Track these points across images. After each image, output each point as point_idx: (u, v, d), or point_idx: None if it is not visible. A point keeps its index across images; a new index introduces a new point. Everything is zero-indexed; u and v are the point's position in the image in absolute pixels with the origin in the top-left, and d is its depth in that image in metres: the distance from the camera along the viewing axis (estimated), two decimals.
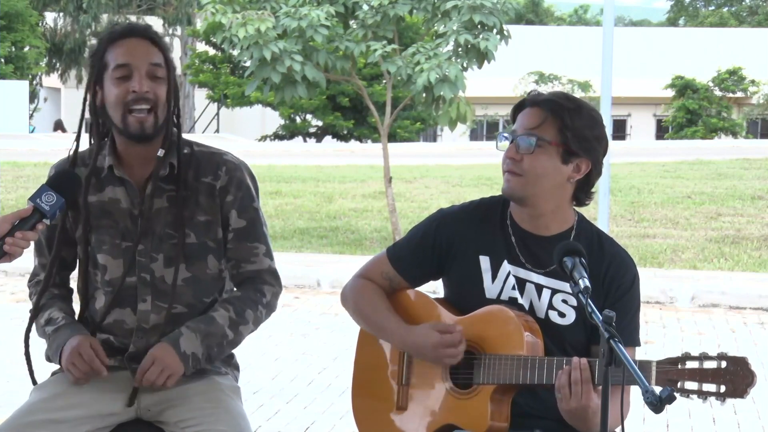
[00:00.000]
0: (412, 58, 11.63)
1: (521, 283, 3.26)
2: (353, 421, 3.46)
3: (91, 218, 3.31)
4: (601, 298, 3.17)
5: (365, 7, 11.84)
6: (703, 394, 2.91)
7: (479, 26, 11.63)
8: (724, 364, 2.91)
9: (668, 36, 43.99)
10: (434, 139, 38.48)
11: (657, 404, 2.61)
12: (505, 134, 3.25)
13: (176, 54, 40.74)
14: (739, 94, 36.91)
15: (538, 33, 43.66)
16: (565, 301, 3.23)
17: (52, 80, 43.68)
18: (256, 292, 3.38)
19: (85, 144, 3.38)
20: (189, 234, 3.31)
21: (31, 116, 37.77)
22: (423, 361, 3.29)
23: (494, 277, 3.27)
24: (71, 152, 3.36)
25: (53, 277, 3.37)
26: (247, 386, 6.24)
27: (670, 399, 2.62)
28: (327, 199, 16.39)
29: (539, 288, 3.25)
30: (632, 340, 3.22)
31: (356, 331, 3.48)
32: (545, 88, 33.09)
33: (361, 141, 32.19)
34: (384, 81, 16.03)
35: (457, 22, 11.61)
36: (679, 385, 2.92)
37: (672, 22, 58.18)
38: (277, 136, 34.43)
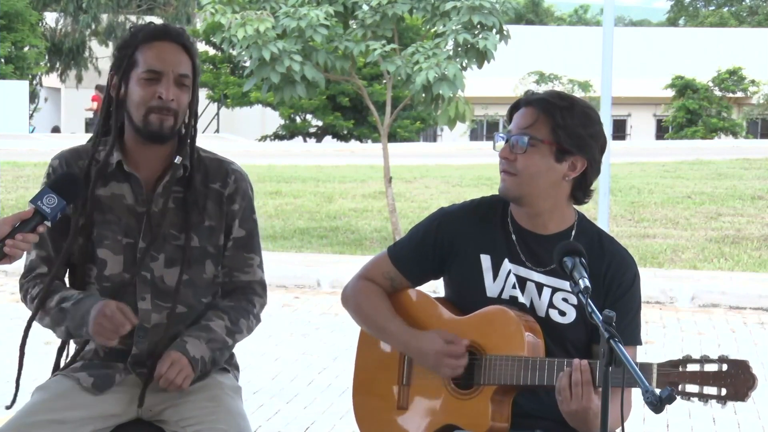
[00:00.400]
0: (411, 58, 11.64)
1: (522, 282, 3.26)
2: (353, 421, 3.46)
3: (92, 211, 3.32)
4: (602, 297, 3.17)
5: (365, 7, 11.85)
6: (704, 397, 2.91)
7: (478, 26, 11.64)
8: (725, 367, 2.91)
9: (668, 36, 43.99)
10: (434, 139, 38.47)
11: (657, 404, 2.61)
12: (501, 135, 3.25)
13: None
14: (739, 94, 36.91)
15: (538, 33, 43.67)
16: (565, 300, 3.24)
17: (52, 80, 43.66)
18: (248, 302, 3.43)
19: (83, 138, 3.38)
20: (192, 237, 3.32)
21: (31, 116, 37.76)
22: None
23: (495, 275, 3.27)
24: (91, 143, 3.36)
25: (60, 271, 3.35)
26: (247, 386, 6.24)
27: (670, 399, 2.62)
28: (327, 199, 16.39)
29: (539, 286, 3.25)
30: (633, 340, 3.22)
31: (356, 331, 3.48)
32: (545, 88, 33.06)
33: (361, 141, 32.19)
34: (384, 81, 16.03)
35: (456, 22, 11.62)
36: (680, 387, 2.93)
37: (672, 22, 58.18)
38: (277, 136, 34.42)
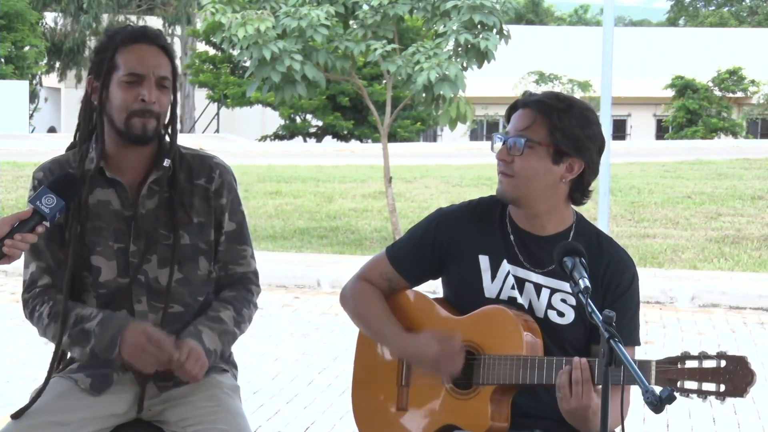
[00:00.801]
0: (411, 58, 11.64)
1: (520, 283, 3.26)
2: (353, 421, 3.46)
3: (81, 220, 3.31)
4: (600, 297, 3.17)
5: (365, 7, 11.85)
6: (702, 394, 2.91)
7: (479, 26, 11.64)
8: (723, 363, 2.91)
9: (668, 36, 44.00)
10: (434, 139, 38.48)
11: (657, 404, 2.61)
12: (499, 136, 3.25)
13: (176, 54, 40.71)
14: (739, 94, 36.91)
15: (538, 33, 43.67)
16: (564, 301, 3.23)
17: (52, 80, 43.69)
18: (247, 292, 3.43)
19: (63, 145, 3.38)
20: (183, 235, 3.32)
21: (31, 116, 37.78)
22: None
23: (493, 276, 3.27)
24: (71, 151, 3.36)
25: (70, 280, 3.30)
26: (247, 386, 6.24)
27: (670, 399, 2.61)
28: (327, 199, 16.39)
29: (538, 287, 3.25)
30: (632, 340, 3.22)
31: (356, 331, 3.48)
32: (545, 88, 33.08)
33: (361, 141, 32.19)
34: (384, 81, 16.03)
35: (456, 22, 11.62)
36: (678, 384, 2.92)
37: (672, 22, 58.19)
38: (277, 136, 34.44)
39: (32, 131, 35.95)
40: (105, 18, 40.69)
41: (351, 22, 12.26)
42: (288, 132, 34.09)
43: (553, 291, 3.24)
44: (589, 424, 3.05)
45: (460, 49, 11.75)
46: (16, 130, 31.52)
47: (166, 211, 3.31)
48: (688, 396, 2.92)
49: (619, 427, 2.95)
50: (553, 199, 3.24)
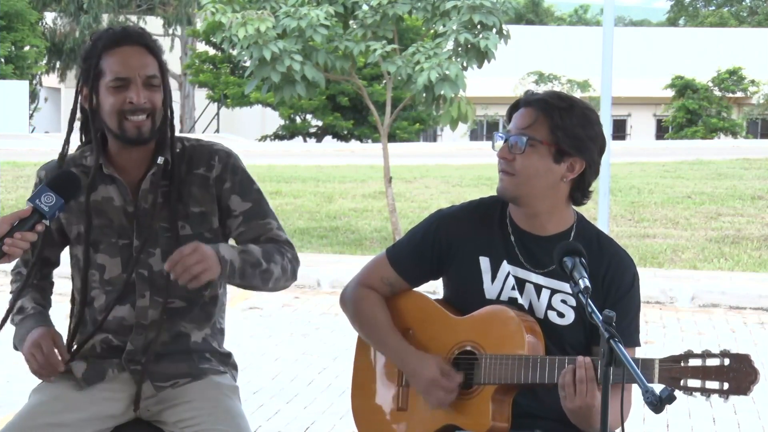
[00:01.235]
0: (411, 58, 11.64)
1: (521, 283, 3.26)
2: (353, 421, 3.46)
3: (86, 217, 3.31)
4: (601, 298, 3.16)
5: (365, 7, 11.85)
6: (706, 392, 2.91)
7: (479, 26, 11.64)
8: (727, 361, 2.91)
9: (668, 36, 44.00)
10: (434, 139, 38.48)
11: (657, 404, 2.61)
12: (500, 134, 3.25)
13: (176, 54, 40.76)
14: (739, 94, 36.92)
15: (538, 33, 43.68)
16: (564, 302, 3.23)
17: (52, 80, 43.70)
18: (280, 246, 3.32)
19: (73, 145, 3.38)
20: (184, 226, 3.31)
21: (31, 116, 37.78)
22: (420, 351, 3.29)
23: (494, 277, 3.27)
24: (62, 152, 3.37)
25: (32, 278, 3.40)
26: (247, 386, 6.24)
27: (670, 399, 2.61)
28: (327, 199, 16.40)
29: (538, 288, 3.25)
30: (632, 341, 3.21)
31: (356, 332, 3.48)
32: (545, 88, 33.08)
33: (361, 141, 32.20)
34: (384, 81, 16.03)
35: (456, 22, 11.62)
36: (681, 383, 2.92)
37: (672, 22, 58.20)
38: (277, 136, 34.45)
39: (32, 131, 35.95)
40: (105, 18, 40.69)
41: (351, 22, 12.26)
42: (288, 132, 34.10)
43: (554, 292, 3.24)
44: (592, 423, 3.04)
45: (460, 49, 11.75)
46: (16, 130, 31.53)
47: (167, 204, 3.31)
48: (691, 394, 2.91)
49: (620, 429, 2.94)
50: (553, 199, 3.23)
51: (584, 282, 2.89)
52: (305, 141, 34.00)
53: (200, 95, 38.82)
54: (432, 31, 12.33)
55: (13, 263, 3.42)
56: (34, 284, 3.43)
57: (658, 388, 2.66)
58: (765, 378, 7.04)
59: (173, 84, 36.20)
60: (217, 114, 40.47)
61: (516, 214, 3.29)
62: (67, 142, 3.35)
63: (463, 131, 35.40)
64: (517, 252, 3.26)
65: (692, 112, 35.09)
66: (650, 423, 6.06)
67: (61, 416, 3.24)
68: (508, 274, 3.26)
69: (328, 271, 10.35)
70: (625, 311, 3.19)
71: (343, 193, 17.00)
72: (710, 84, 36.16)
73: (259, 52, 11.52)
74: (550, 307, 3.24)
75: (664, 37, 43.61)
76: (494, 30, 11.61)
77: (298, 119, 33.86)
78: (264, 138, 34.48)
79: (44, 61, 41.12)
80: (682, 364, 2.93)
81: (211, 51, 34.93)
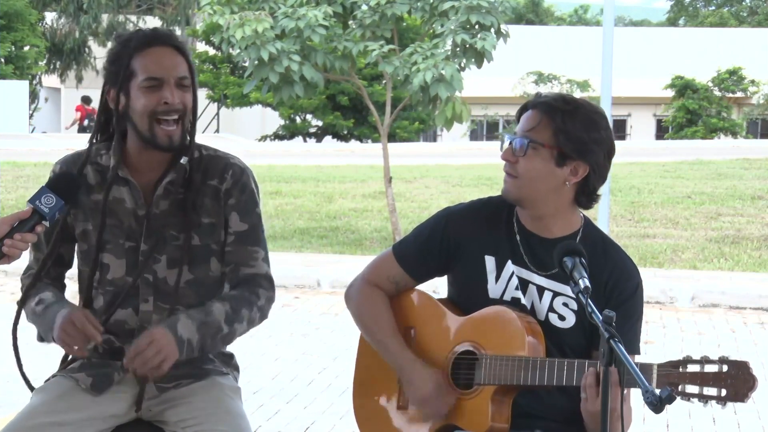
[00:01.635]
0: (409, 58, 11.64)
1: (524, 284, 3.25)
2: (353, 421, 3.46)
3: (97, 217, 3.31)
4: (602, 304, 3.13)
5: (364, 7, 11.85)
6: (704, 398, 2.91)
7: (477, 26, 11.64)
8: (725, 368, 2.91)
9: (668, 36, 43.98)
10: (434, 139, 38.46)
11: (657, 404, 2.61)
12: (508, 136, 3.25)
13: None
14: (739, 94, 36.90)
15: (538, 33, 43.66)
16: (565, 305, 3.23)
17: (52, 80, 43.66)
18: (252, 293, 3.38)
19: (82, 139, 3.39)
20: (193, 236, 3.32)
21: (31, 116, 37.75)
22: (422, 361, 3.29)
23: (498, 277, 3.27)
24: (87, 148, 3.37)
25: (46, 270, 3.37)
26: (247, 386, 6.23)
27: (670, 399, 2.61)
28: (327, 199, 16.39)
29: (541, 290, 3.25)
30: (632, 348, 3.19)
31: (357, 331, 3.48)
32: (544, 88, 33.06)
33: (361, 141, 32.18)
34: (384, 81, 16.03)
35: (454, 23, 11.62)
36: (680, 388, 2.92)
37: (672, 22, 58.17)
38: (277, 136, 34.42)
39: (32, 131, 35.92)
40: (105, 18, 40.68)
41: (350, 22, 12.26)
42: (288, 132, 34.07)
43: (556, 294, 3.24)
44: (613, 429, 3.01)
45: (458, 49, 11.75)
46: (16, 130, 31.49)
47: (178, 212, 3.31)
48: (689, 400, 2.91)
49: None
50: (557, 202, 3.23)
51: (584, 282, 2.89)
52: (305, 141, 33.98)
53: (200, 95, 38.78)
54: (430, 31, 12.33)
55: (24, 266, 3.43)
56: (47, 283, 3.40)
57: (657, 389, 2.66)
58: (765, 378, 7.05)
59: None
60: (217, 114, 40.45)
61: (522, 215, 3.29)
62: (91, 141, 3.36)
63: (463, 131, 35.37)
64: (522, 252, 3.26)
65: (692, 112, 35.07)
66: (650, 423, 6.06)
67: (62, 416, 3.23)
68: (512, 274, 3.26)
69: (328, 271, 10.35)
70: (626, 317, 3.17)
71: (343, 193, 17.00)
72: (710, 84, 36.13)
73: (257, 52, 11.52)
74: (551, 309, 3.24)
75: (664, 37, 43.59)
76: (492, 30, 11.61)
77: (298, 119, 33.84)
78: (264, 138, 34.45)
79: (44, 61, 41.08)
80: (681, 369, 2.93)
81: (211, 51, 34.91)
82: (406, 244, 3.40)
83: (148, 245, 3.30)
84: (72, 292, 3.45)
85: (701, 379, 2.91)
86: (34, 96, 39.77)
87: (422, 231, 3.38)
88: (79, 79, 40.46)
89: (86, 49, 40.92)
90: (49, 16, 42.33)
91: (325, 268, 10.47)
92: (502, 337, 3.19)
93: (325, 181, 18.38)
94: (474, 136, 37.51)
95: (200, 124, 40.70)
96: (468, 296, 3.30)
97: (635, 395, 3.04)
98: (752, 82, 36.48)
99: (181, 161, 3.30)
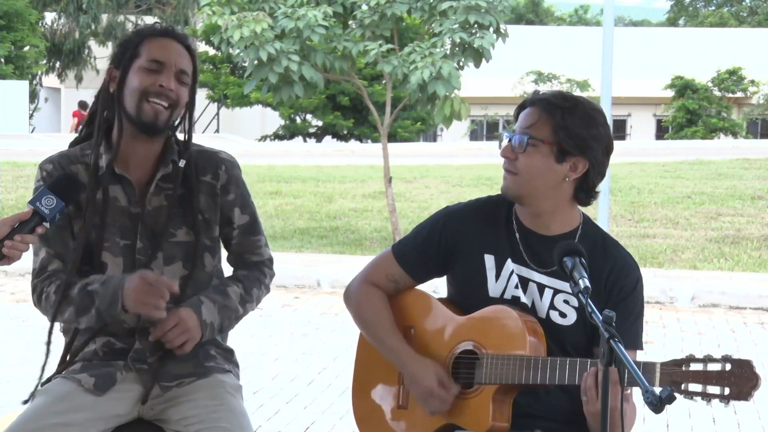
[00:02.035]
0: (408, 58, 11.65)
1: (524, 282, 3.25)
2: (353, 421, 3.45)
3: (91, 215, 3.31)
4: (603, 301, 3.15)
5: (363, 7, 11.85)
6: (707, 396, 2.91)
7: (475, 25, 11.65)
8: (728, 366, 2.91)
9: (668, 36, 43.99)
10: (434, 139, 38.46)
11: (657, 404, 2.61)
12: (507, 134, 3.25)
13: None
14: (739, 94, 36.90)
15: (538, 33, 43.67)
16: (566, 302, 3.23)
17: (52, 80, 43.67)
18: (260, 273, 3.48)
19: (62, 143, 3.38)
20: (188, 233, 3.33)
21: (31, 116, 37.76)
22: (422, 356, 3.29)
23: (498, 275, 3.27)
24: (74, 145, 3.37)
25: (78, 262, 3.29)
26: (247, 386, 6.22)
27: (670, 399, 2.61)
28: (327, 199, 16.39)
29: (541, 288, 3.25)
30: (634, 344, 3.20)
31: (356, 331, 3.48)
32: (544, 88, 33.03)
33: (361, 141, 32.19)
34: (384, 81, 16.04)
35: (453, 22, 11.63)
36: (683, 387, 2.92)
37: (672, 22, 58.18)
38: (277, 136, 34.43)
39: (32, 131, 35.92)
40: (104, 18, 40.68)
41: (350, 22, 12.26)
42: (288, 132, 34.08)
43: (556, 292, 3.24)
44: (613, 427, 3.01)
45: (456, 48, 11.75)
46: (16, 130, 31.50)
47: (175, 209, 3.31)
48: (692, 398, 2.91)
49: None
50: (556, 199, 3.23)
51: (584, 282, 2.89)
52: (305, 141, 33.99)
53: (200, 95, 38.78)
54: (430, 30, 12.34)
55: (15, 262, 3.40)
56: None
57: (657, 388, 2.66)
58: (765, 379, 7.04)
59: None
60: (217, 114, 40.45)
61: (522, 212, 3.29)
62: (85, 132, 3.39)
63: (463, 131, 35.38)
64: (522, 250, 3.26)
65: (692, 112, 35.07)
66: (650, 423, 6.06)
67: (66, 416, 3.23)
68: (512, 272, 3.26)
69: (328, 271, 10.35)
70: (626, 313, 3.18)
71: (343, 193, 17.00)
72: (710, 84, 36.14)
73: (257, 53, 11.53)
74: (552, 306, 3.24)
75: (664, 37, 43.60)
76: (491, 29, 11.62)
77: (298, 119, 33.84)
78: (264, 138, 34.46)
79: (44, 61, 41.09)
80: (684, 368, 2.93)
81: (211, 51, 34.91)
82: (406, 243, 3.41)
83: (144, 243, 3.30)
84: None
85: (704, 377, 2.91)
86: (34, 96, 39.78)
87: (421, 231, 3.38)
88: (79, 80, 40.45)
89: (86, 50, 40.91)
90: (49, 16, 42.32)
91: (325, 268, 10.47)
92: (503, 336, 3.19)
93: (325, 181, 18.38)
94: (474, 136, 37.52)
95: (200, 124, 40.72)
96: (468, 295, 3.30)
97: (635, 394, 3.04)
98: (752, 82, 36.48)
99: (180, 164, 3.31)
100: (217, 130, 40.02)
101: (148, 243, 3.30)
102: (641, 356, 3.23)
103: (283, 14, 11.73)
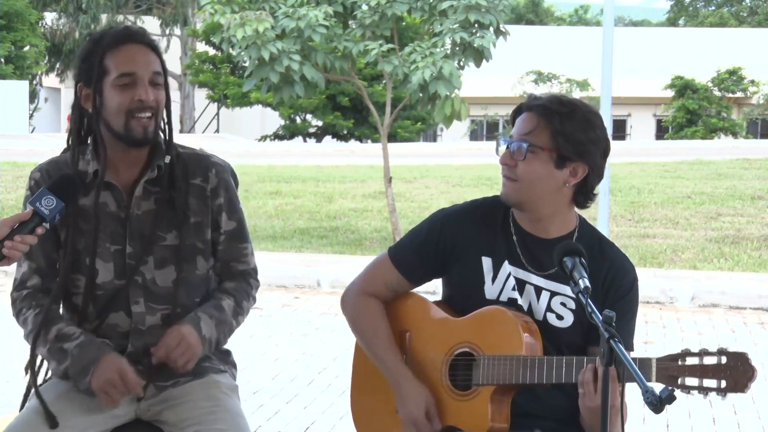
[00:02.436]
0: (408, 58, 11.65)
1: (521, 284, 3.26)
2: (353, 423, 3.45)
3: (79, 222, 3.30)
4: (600, 301, 3.16)
5: (364, 7, 11.86)
6: (703, 390, 2.91)
7: (475, 25, 11.65)
8: (724, 359, 2.91)
9: (668, 36, 44.00)
10: (434, 139, 38.47)
11: (657, 404, 2.61)
12: (504, 139, 3.25)
13: (176, 54, 40.76)
14: (739, 94, 36.91)
15: (538, 33, 43.67)
16: (563, 304, 3.23)
17: (52, 80, 43.69)
18: (247, 285, 3.45)
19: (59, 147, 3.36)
20: (180, 236, 3.31)
21: (31, 116, 37.77)
22: (421, 363, 3.29)
23: (494, 278, 3.27)
24: (68, 153, 3.35)
25: (69, 270, 3.29)
26: (247, 386, 6.24)
27: (670, 399, 2.61)
28: (327, 199, 16.39)
29: (538, 290, 3.25)
30: (626, 344, 3.19)
31: None
32: (543, 88, 33.06)
33: (361, 141, 32.19)
34: (384, 81, 16.04)
35: (453, 22, 11.63)
36: (679, 381, 2.92)
37: (672, 22, 58.18)
38: (277, 136, 34.43)
39: (32, 131, 35.93)
40: (104, 18, 40.69)
41: (350, 22, 12.27)
42: (288, 132, 34.08)
43: (553, 294, 3.24)
44: (613, 423, 3.01)
45: (457, 48, 11.76)
46: (16, 130, 31.51)
47: (163, 212, 3.30)
48: (689, 392, 2.92)
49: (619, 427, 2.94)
50: (556, 204, 3.24)
51: (584, 282, 2.89)
52: (305, 141, 33.99)
53: (200, 95, 38.80)
54: (430, 30, 12.34)
55: (10, 265, 3.39)
56: (55, 309, 3.33)
57: (657, 388, 2.66)
58: (765, 378, 7.05)
59: (173, 84, 36.17)
60: (217, 114, 40.46)
61: (519, 215, 3.29)
62: (72, 146, 3.33)
63: (463, 132, 35.38)
64: (519, 253, 3.26)
65: (692, 112, 35.08)
66: (650, 423, 6.06)
67: (63, 418, 3.22)
68: (509, 274, 3.26)
69: (328, 271, 10.35)
70: (621, 312, 3.17)
71: (343, 193, 17.00)
72: (710, 84, 36.15)
73: (258, 52, 11.53)
74: (549, 309, 3.24)
75: (664, 37, 43.61)
76: (491, 29, 11.62)
77: (298, 119, 33.85)
78: (264, 138, 34.46)
79: (44, 61, 41.10)
80: (680, 362, 2.94)
81: (211, 51, 34.91)
82: (402, 247, 3.40)
83: (134, 248, 3.29)
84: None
85: (701, 371, 2.92)
86: (34, 96, 39.79)
87: (418, 234, 3.38)
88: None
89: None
90: (49, 16, 42.34)
91: (325, 268, 10.47)
92: (499, 337, 3.19)
93: (325, 181, 18.38)
94: (474, 136, 37.52)
95: (200, 124, 40.75)
96: (464, 297, 3.29)
97: (635, 394, 3.04)
98: (752, 82, 36.49)
99: (165, 160, 3.29)
100: (217, 130, 40.02)
101: (138, 247, 3.28)
102: (638, 352, 3.23)
103: (284, 14, 11.74)
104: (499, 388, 3.17)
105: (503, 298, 3.25)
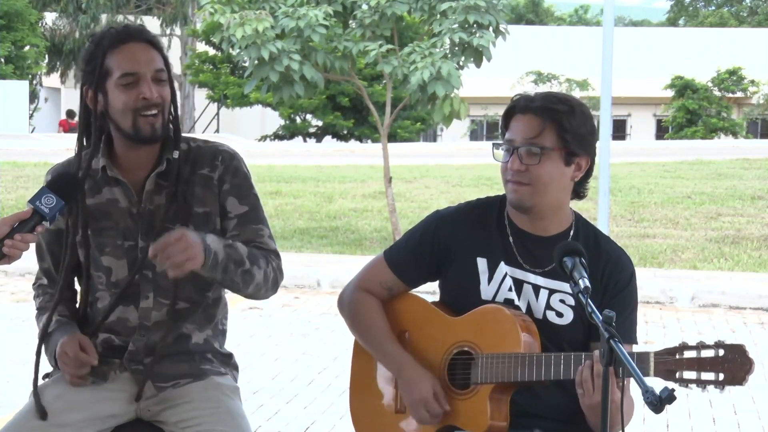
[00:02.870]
0: (408, 58, 11.65)
1: (518, 284, 3.25)
2: (352, 423, 3.45)
3: (90, 221, 3.31)
4: (599, 296, 3.16)
5: (364, 7, 11.86)
6: (702, 383, 2.92)
7: (475, 25, 11.65)
8: (721, 352, 2.92)
9: (668, 36, 44.00)
10: (434, 139, 38.48)
11: (657, 404, 2.61)
12: (503, 145, 3.24)
13: (176, 54, 40.77)
14: (739, 94, 36.92)
15: (538, 33, 43.68)
16: (563, 301, 3.23)
17: (52, 80, 43.69)
18: (267, 255, 3.36)
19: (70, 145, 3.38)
20: (189, 227, 3.30)
21: (31, 116, 37.76)
22: (419, 364, 3.29)
23: (490, 278, 3.27)
24: (75, 154, 3.36)
25: (64, 283, 3.35)
26: (247, 386, 6.24)
27: (670, 399, 2.61)
28: (327, 199, 16.40)
29: (537, 288, 3.25)
30: (629, 338, 3.22)
31: None
32: (543, 88, 33.05)
33: (361, 141, 32.20)
34: (384, 81, 16.04)
35: (452, 22, 11.63)
36: (677, 375, 2.93)
37: (672, 22, 58.19)
38: (277, 136, 34.43)
39: (32, 131, 35.93)
40: (103, 18, 40.70)
41: (350, 22, 12.27)
42: (288, 132, 34.09)
43: (552, 292, 3.24)
44: (614, 422, 3.01)
45: (456, 48, 11.76)
46: (16, 130, 31.50)
47: (171, 205, 3.30)
48: (687, 386, 2.92)
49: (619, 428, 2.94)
50: (561, 200, 3.26)
51: (584, 282, 2.89)
52: (305, 141, 34.00)
53: (200, 95, 38.80)
54: (429, 30, 12.34)
55: (15, 261, 3.41)
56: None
57: (658, 388, 2.66)
58: (765, 377, 7.05)
59: None
60: (217, 114, 40.46)
61: (515, 215, 3.29)
62: (80, 140, 3.34)
63: (463, 132, 35.39)
64: (516, 252, 3.26)
65: (692, 112, 35.09)
66: (650, 423, 6.06)
67: (61, 417, 3.23)
68: (506, 275, 3.26)
69: (328, 271, 10.35)
70: (621, 307, 3.18)
71: (343, 193, 17.00)
72: (710, 84, 36.16)
73: (258, 52, 11.53)
74: (548, 307, 3.24)
75: (664, 37, 43.61)
76: (491, 29, 11.62)
77: (298, 119, 33.85)
78: (264, 138, 34.46)
79: (44, 61, 41.10)
80: (678, 356, 2.95)
81: (211, 51, 34.91)
82: (398, 249, 3.40)
83: (146, 242, 3.29)
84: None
85: (698, 364, 2.92)
86: (34, 96, 39.78)
87: (413, 236, 3.38)
88: (79, 80, 40.44)
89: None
90: (49, 16, 42.34)
91: (325, 268, 10.48)
92: (497, 336, 3.19)
93: (325, 181, 18.38)
94: (474, 136, 37.54)
95: (200, 124, 40.75)
96: (460, 298, 3.29)
97: (634, 394, 3.04)
98: (752, 82, 36.51)
99: (173, 155, 3.29)
100: (217, 130, 40.02)
101: (149, 241, 3.29)
102: (636, 350, 3.24)
103: (284, 14, 11.74)
104: (498, 386, 3.17)
105: (499, 298, 3.25)
